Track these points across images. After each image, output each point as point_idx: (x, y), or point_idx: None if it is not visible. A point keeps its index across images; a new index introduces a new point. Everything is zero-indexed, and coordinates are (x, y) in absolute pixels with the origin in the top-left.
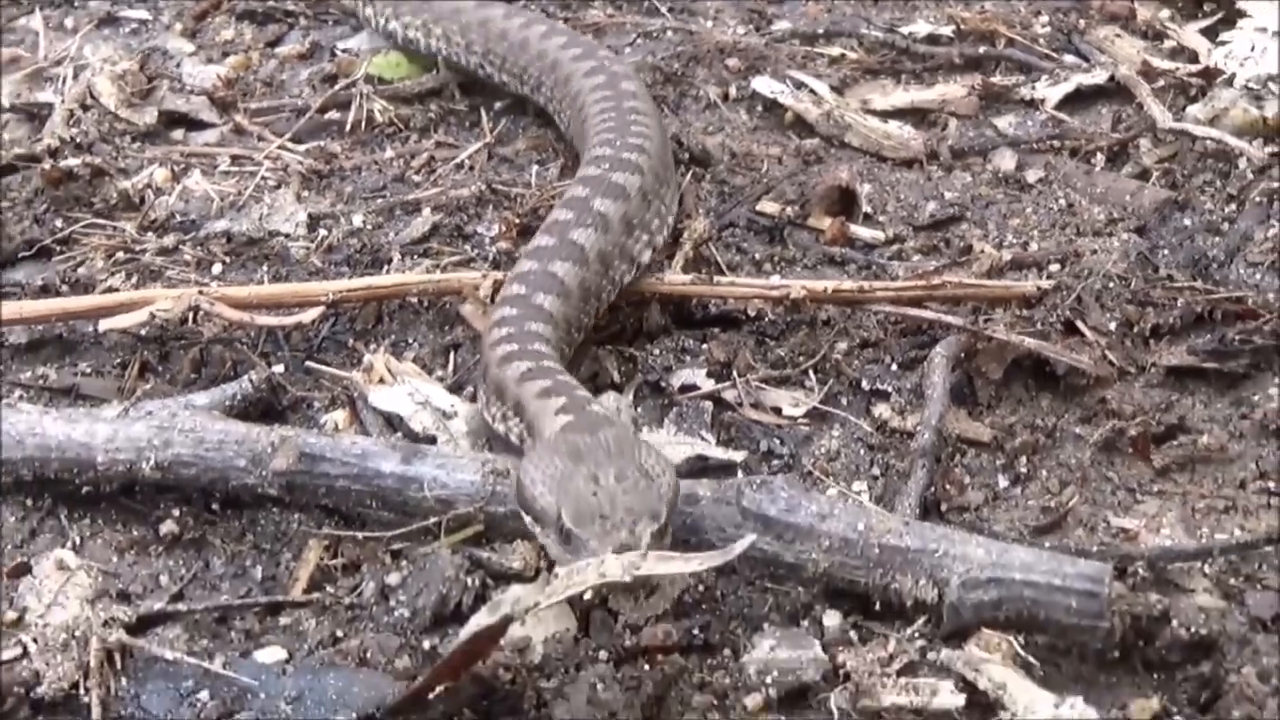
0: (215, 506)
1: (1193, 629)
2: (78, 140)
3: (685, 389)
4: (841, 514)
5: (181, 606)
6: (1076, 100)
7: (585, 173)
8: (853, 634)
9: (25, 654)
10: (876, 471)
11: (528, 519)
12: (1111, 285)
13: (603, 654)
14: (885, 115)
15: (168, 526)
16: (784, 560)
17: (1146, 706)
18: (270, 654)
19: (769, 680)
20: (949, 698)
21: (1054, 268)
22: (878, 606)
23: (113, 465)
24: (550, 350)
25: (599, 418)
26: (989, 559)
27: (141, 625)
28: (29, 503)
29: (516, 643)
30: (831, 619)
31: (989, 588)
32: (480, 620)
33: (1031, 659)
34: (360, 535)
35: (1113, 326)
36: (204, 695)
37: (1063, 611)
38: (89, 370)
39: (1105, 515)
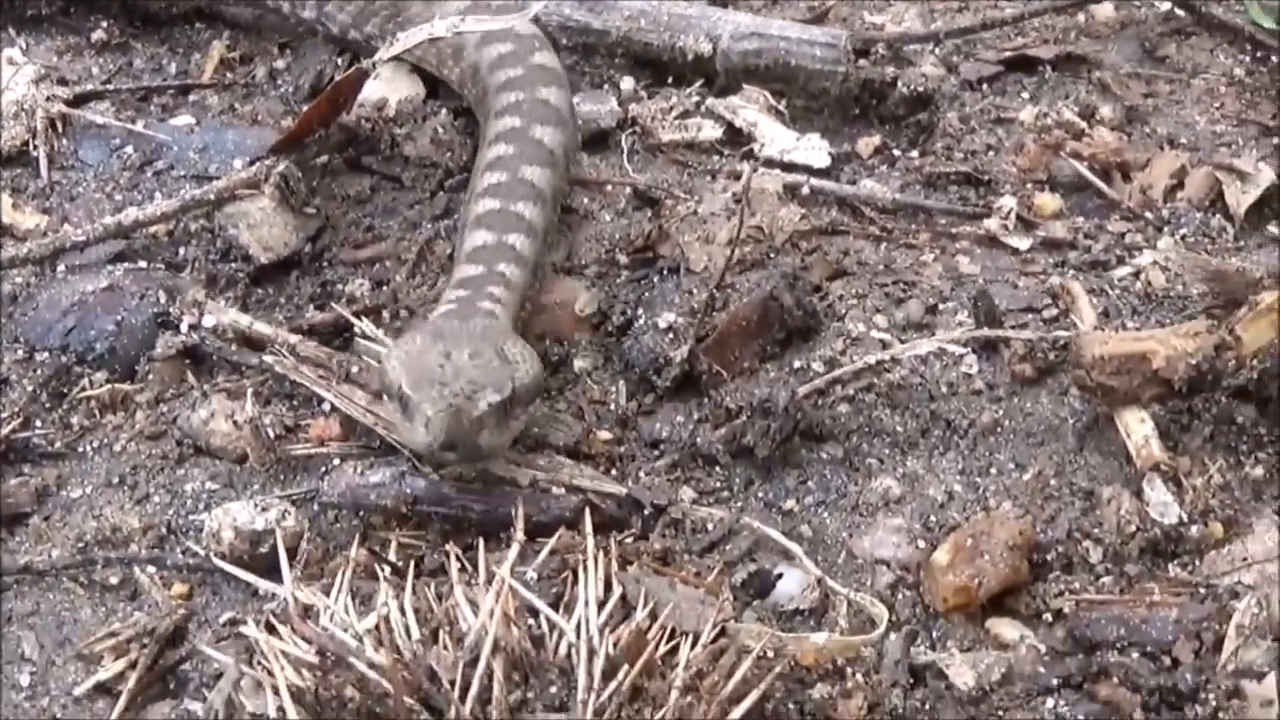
0: (138, 23)
1: (915, 89)
2: None
3: None
4: None
5: (110, 87)
6: None
7: None
8: (643, 94)
9: None
10: None
11: (384, 397)
12: None
13: (444, 110)
14: None
15: (98, 35)
16: (593, 28)
17: (870, 142)
18: (182, 120)
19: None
20: (711, 132)
21: None
22: (669, 80)
23: None
24: None
25: (477, 309)
26: (753, 23)
27: (78, 102)
28: None
29: (376, 103)
30: (627, 83)
31: (752, 39)
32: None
33: (783, 109)
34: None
35: None
36: (129, 149)
37: (809, 59)
38: None
39: (861, 14)
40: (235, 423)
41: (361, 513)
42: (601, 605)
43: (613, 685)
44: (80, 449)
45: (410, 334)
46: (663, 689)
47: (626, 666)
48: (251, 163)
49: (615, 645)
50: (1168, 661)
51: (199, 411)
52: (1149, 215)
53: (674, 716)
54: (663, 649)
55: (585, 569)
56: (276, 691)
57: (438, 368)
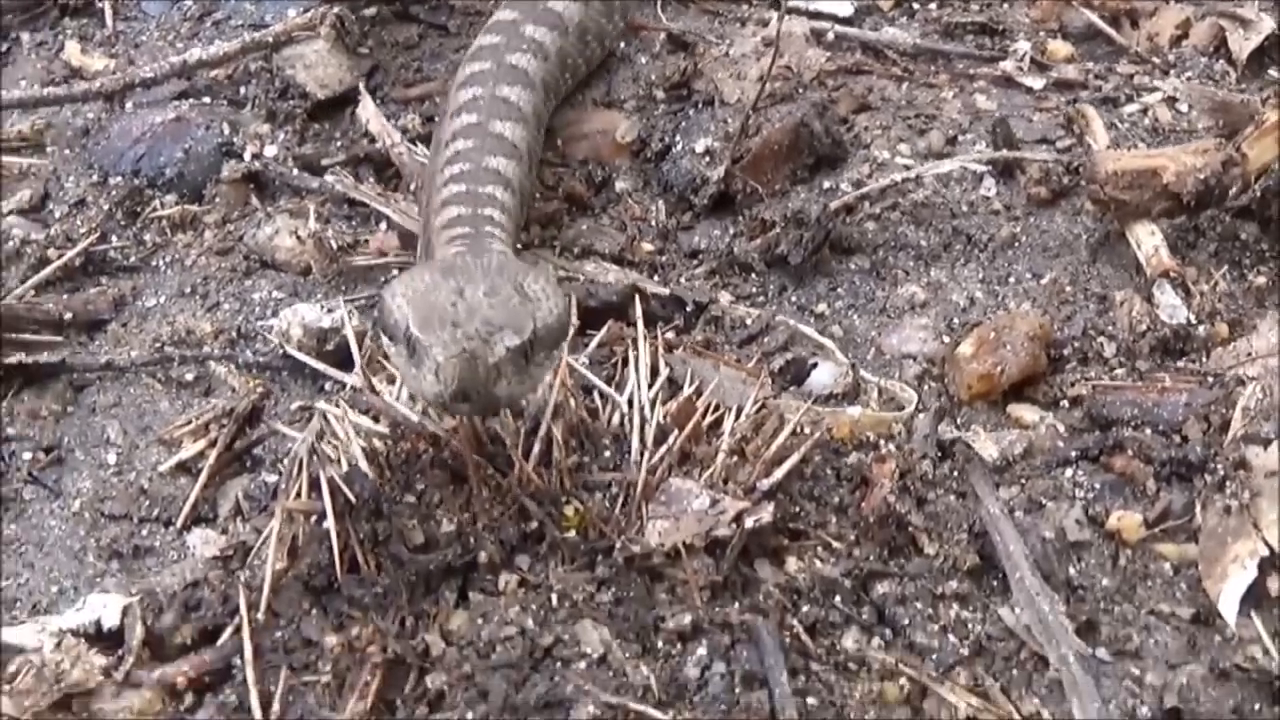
0: None
1: None
2: None
3: None
4: None
5: None
6: None
7: None
8: None
9: None
10: None
11: (384, 339)
12: None
13: None
14: None
15: None
16: None
17: None
18: None
19: None
20: None
21: None
22: None
23: None
24: None
25: (492, 248)
26: None
27: None
28: None
29: None
30: None
31: None
32: None
33: None
34: None
35: None
36: (189, 1)
37: None
38: None
39: None
40: (299, 238)
41: None
42: (650, 384)
43: (664, 449)
44: (153, 263)
45: (416, 269)
46: (709, 452)
47: (676, 431)
48: (305, 11)
49: (665, 416)
50: (1178, 439)
51: (264, 229)
52: (1156, 60)
53: (721, 476)
54: (708, 420)
55: (634, 352)
56: (352, 462)
57: (449, 306)
